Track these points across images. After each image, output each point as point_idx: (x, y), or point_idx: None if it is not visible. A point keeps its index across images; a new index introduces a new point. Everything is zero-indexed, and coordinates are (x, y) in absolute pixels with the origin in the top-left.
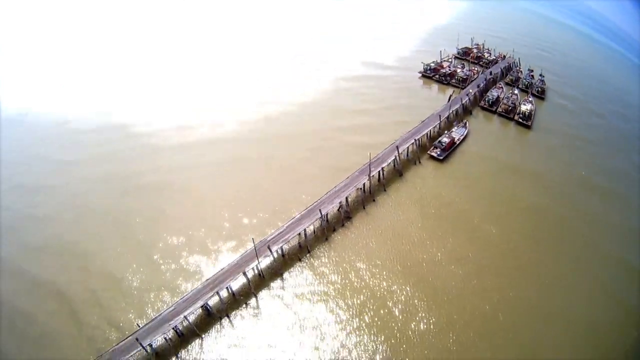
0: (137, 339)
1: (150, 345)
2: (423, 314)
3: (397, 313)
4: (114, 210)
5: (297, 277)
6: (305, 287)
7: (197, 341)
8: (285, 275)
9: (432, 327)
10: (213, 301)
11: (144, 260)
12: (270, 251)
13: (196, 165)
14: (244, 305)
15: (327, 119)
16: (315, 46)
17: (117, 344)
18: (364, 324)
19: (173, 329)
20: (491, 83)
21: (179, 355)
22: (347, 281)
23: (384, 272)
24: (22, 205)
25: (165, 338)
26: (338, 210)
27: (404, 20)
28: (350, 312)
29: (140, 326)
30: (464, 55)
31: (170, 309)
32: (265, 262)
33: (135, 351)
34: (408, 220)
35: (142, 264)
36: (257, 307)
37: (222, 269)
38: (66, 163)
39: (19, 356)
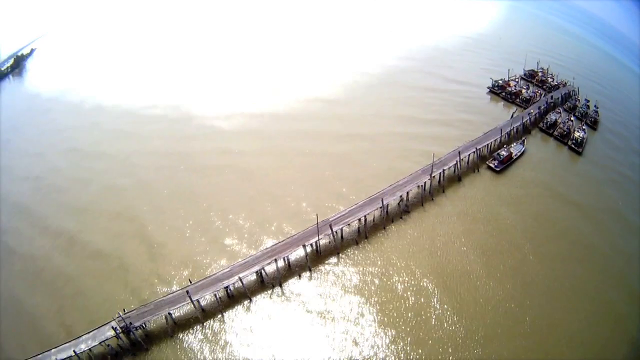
0: (187, 292)
1: (198, 300)
2: (450, 318)
3: (431, 319)
4: (179, 182)
5: (351, 259)
6: (357, 268)
7: (246, 303)
8: (342, 255)
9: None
10: (269, 269)
11: (205, 225)
12: (332, 230)
13: (260, 151)
14: (298, 277)
15: (395, 123)
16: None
17: (166, 295)
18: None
19: (225, 288)
20: (551, 107)
21: (224, 315)
22: (392, 271)
23: (427, 272)
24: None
25: (215, 296)
26: (398, 204)
27: (476, 34)
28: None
29: (192, 282)
30: (529, 77)
31: (226, 270)
32: (324, 240)
33: (183, 303)
34: (457, 225)
35: (202, 229)
36: (310, 279)
37: (282, 241)
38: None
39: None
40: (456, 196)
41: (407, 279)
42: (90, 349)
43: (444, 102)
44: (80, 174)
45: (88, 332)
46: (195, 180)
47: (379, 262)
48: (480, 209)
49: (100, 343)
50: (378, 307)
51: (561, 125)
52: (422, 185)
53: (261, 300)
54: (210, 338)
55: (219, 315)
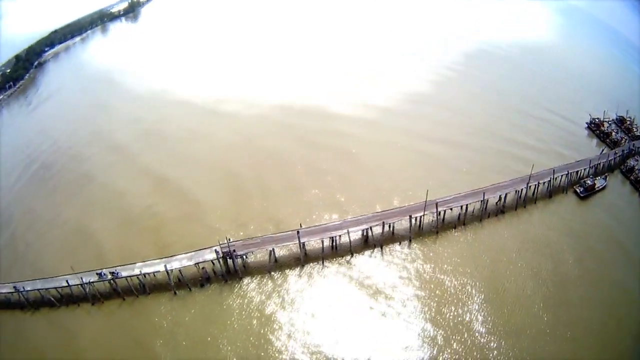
0: (297, 232)
1: (304, 244)
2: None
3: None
4: (303, 153)
5: (448, 240)
6: (453, 249)
7: (347, 257)
8: (440, 234)
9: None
10: (376, 230)
11: (321, 183)
12: (437, 209)
13: (367, 140)
14: (399, 243)
15: (495, 138)
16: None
17: (275, 233)
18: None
19: (331, 238)
20: (632, 154)
21: (325, 262)
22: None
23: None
24: None
25: (322, 243)
26: (496, 203)
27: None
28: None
29: (303, 227)
30: (619, 122)
31: (336, 222)
32: (428, 217)
33: (289, 243)
34: (538, 238)
35: (318, 185)
36: (410, 247)
37: (391, 209)
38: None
39: None
40: (545, 209)
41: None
42: (181, 269)
43: (541, 127)
44: (194, 127)
45: (186, 252)
46: (318, 153)
47: (475, 250)
48: (557, 229)
49: (195, 264)
50: (479, 289)
51: (637, 172)
52: (519, 191)
53: (361, 257)
54: (306, 280)
55: (320, 262)
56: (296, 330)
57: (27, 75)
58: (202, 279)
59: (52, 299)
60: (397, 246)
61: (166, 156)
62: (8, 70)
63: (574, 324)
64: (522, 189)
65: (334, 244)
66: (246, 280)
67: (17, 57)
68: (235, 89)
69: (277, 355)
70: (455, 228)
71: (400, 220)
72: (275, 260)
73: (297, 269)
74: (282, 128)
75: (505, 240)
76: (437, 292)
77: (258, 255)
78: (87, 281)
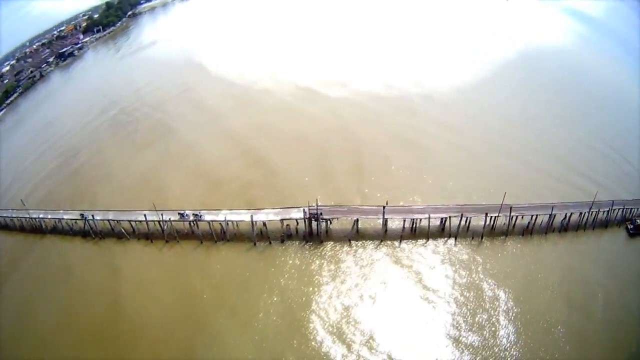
0: (383, 207)
1: (387, 220)
2: None
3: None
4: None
5: (512, 246)
6: (524, 259)
7: (423, 241)
8: (509, 237)
9: None
10: (453, 221)
11: (412, 166)
12: (510, 212)
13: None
14: (471, 237)
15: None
16: None
17: (361, 205)
18: None
19: (412, 220)
20: None
21: (402, 242)
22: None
23: None
24: None
25: (403, 222)
26: (561, 221)
27: None
28: None
29: (387, 204)
30: None
31: (420, 206)
32: (501, 219)
33: (373, 217)
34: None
35: (409, 168)
36: (480, 247)
37: (469, 204)
38: None
39: None
40: (597, 238)
41: None
42: (266, 222)
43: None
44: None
45: (273, 208)
46: (405, 141)
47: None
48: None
49: (281, 220)
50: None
51: None
52: (581, 214)
53: (435, 243)
54: (381, 254)
55: (398, 241)
56: (357, 301)
57: (120, 23)
58: (283, 235)
59: (124, 230)
60: (469, 240)
61: (255, 126)
62: (96, 16)
63: None
64: (583, 213)
65: (414, 226)
66: (326, 244)
67: (108, 5)
68: (319, 71)
69: (327, 319)
70: (522, 235)
71: (477, 216)
72: (357, 231)
73: (376, 242)
74: (373, 115)
75: (560, 259)
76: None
77: (342, 223)
78: (168, 219)
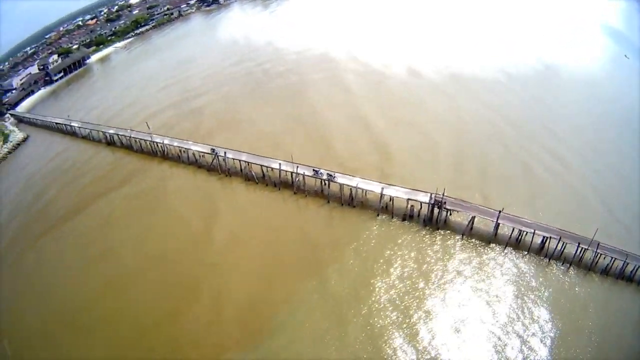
0: (499, 212)
1: (498, 225)
2: None
3: None
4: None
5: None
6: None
7: (524, 253)
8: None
9: None
10: (552, 243)
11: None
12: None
13: None
14: (562, 262)
15: None
16: None
17: (480, 205)
18: None
19: (519, 230)
20: None
21: (507, 248)
22: None
23: None
24: None
25: (510, 231)
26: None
27: None
28: None
29: (504, 211)
30: None
31: (529, 221)
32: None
33: (489, 219)
34: None
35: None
36: (569, 272)
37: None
38: None
39: None
40: None
41: None
42: (393, 197)
43: None
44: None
45: (403, 187)
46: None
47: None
48: None
49: (407, 199)
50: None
51: None
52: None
53: (532, 261)
54: (487, 258)
55: (503, 247)
56: (457, 298)
57: None
58: (406, 214)
59: (254, 174)
60: (561, 265)
61: (384, 113)
62: None
63: None
64: None
65: (520, 237)
66: (442, 233)
67: None
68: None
69: (426, 313)
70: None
71: (571, 244)
72: (471, 228)
73: (484, 244)
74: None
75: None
76: None
77: (459, 218)
78: (302, 172)
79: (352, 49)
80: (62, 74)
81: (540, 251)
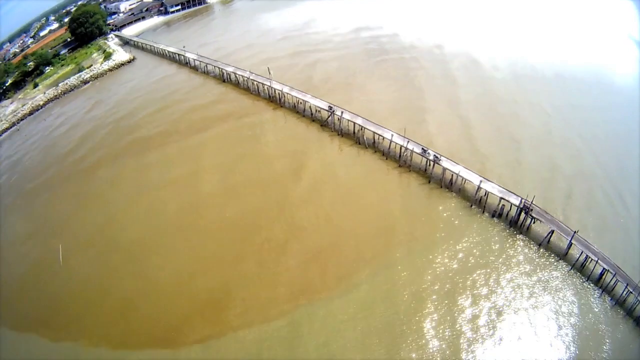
0: (573, 233)
1: (571, 244)
2: None
3: None
4: None
5: None
6: None
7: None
8: None
9: None
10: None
11: None
12: None
13: None
14: None
15: None
16: None
17: (561, 220)
18: None
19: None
20: None
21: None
22: None
23: None
24: None
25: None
26: None
27: None
28: None
29: (579, 233)
30: None
31: (596, 248)
32: None
33: (563, 235)
34: None
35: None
36: None
37: None
38: None
39: None
40: None
41: None
42: (487, 192)
43: None
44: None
45: (499, 185)
46: None
47: None
48: None
49: (500, 198)
50: None
51: None
52: None
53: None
54: (560, 276)
55: (569, 267)
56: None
57: None
58: (495, 211)
59: (366, 139)
60: (609, 299)
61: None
62: None
63: None
64: None
65: (585, 263)
66: (522, 238)
67: None
68: None
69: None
70: None
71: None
72: (548, 242)
73: (555, 259)
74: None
75: None
76: None
77: (539, 228)
78: (411, 148)
79: (468, 46)
80: (179, 7)
81: (597, 282)
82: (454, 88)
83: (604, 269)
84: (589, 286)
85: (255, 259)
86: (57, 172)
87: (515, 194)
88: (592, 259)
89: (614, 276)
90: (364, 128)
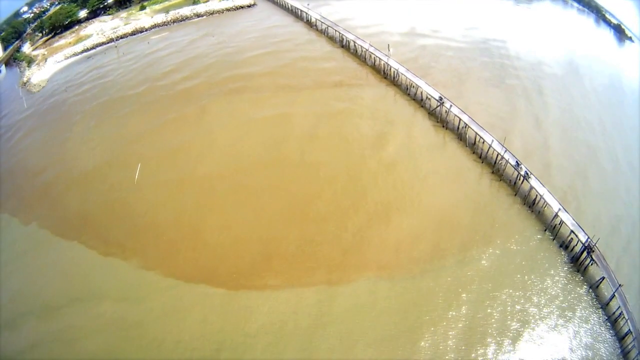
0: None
1: None
2: None
3: None
4: None
5: None
6: None
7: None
8: None
9: None
10: None
11: None
12: None
13: None
14: None
15: None
16: None
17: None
18: None
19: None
20: None
21: None
22: None
23: None
24: None
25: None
26: None
27: None
28: None
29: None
30: None
31: None
32: None
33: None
34: None
35: None
36: None
37: None
38: None
39: None
40: None
41: None
42: (561, 222)
43: None
44: None
45: (568, 214)
46: None
47: None
48: None
49: (571, 231)
50: None
51: None
52: None
53: None
54: None
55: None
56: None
57: None
58: (563, 243)
59: (468, 137)
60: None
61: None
62: None
63: None
64: None
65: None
66: (578, 275)
67: None
68: None
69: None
70: None
71: None
72: (597, 286)
73: (599, 307)
74: None
75: None
76: None
77: (593, 271)
78: (507, 158)
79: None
80: None
81: (621, 340)
82: (571, 108)
83: (629, 329)
84: (616, 344)
85: (337, 220)
86: (146, 91)
87: (584, 230)
88: (624, 317)
89: (633, 340)
90: (468, 126)
